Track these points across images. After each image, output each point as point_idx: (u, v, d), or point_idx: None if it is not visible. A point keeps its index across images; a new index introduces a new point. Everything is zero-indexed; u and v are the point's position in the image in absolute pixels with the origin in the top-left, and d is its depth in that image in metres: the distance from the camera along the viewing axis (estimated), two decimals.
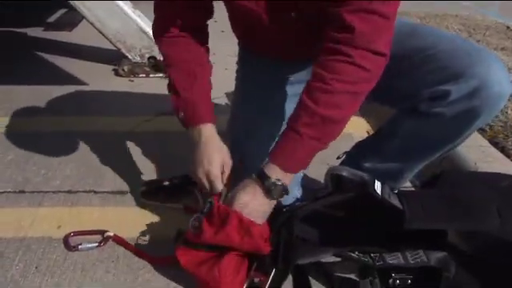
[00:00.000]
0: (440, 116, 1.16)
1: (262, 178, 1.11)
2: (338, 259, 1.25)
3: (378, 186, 1.15)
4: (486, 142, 1.74)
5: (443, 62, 1.14)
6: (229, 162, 1.24)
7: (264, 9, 1.15)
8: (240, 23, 1.35)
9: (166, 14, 1.27)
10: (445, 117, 1.15)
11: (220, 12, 1.33)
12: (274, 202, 1.15)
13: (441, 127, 1.18)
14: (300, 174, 1.38)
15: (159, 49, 1.34)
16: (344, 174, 1.19)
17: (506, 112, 1.95)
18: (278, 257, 1.15)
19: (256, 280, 1.16)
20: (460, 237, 1.17)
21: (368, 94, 1.10)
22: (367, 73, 1.05)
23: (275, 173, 1.10)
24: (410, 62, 1.15)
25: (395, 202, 1.15)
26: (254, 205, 1.12)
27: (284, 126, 1.16)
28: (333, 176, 1.20)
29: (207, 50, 1.34)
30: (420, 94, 1.17)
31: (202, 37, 1.32)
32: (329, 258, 1.24)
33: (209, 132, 1.24)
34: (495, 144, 1.74)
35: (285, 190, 1.12)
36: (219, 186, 1.20)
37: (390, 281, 1.17)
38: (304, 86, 1.10)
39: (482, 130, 1.82)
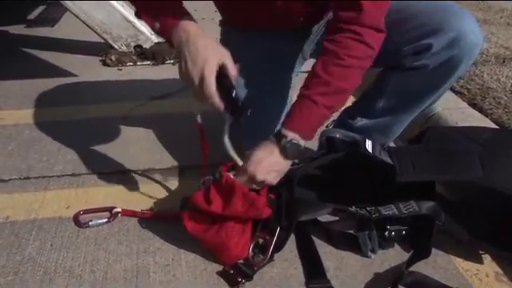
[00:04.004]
0: (424, 68, 1.28)
1: (279, 138, 1.16)
2: (337, 218, 1.34)
3: (369, 144, 1.24)
4: (465, 104, 1.85)
5: (421, 19, 1.27)
6: (229, 58, 1.13)
7: None
8: None
9: None
10: (428, 68, 1.27)
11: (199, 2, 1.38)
12: (290, 162, 1.20)
13: (425, 78, 1.30)
14: None
15: None
16: (337, 135, 1.28)
17: (482, 76, 2.05)
18: (281, 216, 1.23)
19: (261, 240, 1.23)
20: (446, 187, 1.26)
21: None
22: (372, 50, 1.17)
23: (291, 135, 1.16)
24: (390, 22, 1.22)
25: (386, 158, 1.23)
26: (269, 161, 1.16)
27: (273, 98, 1.25)
28: (326, 138, 1.29)
29: None
30: (403, 50, 1.28)
31: None
32: (328, 218, 1.33)
33: (195, 27, 1.15)
34: (474, 105, 1.84)
35: (300, 150, 1.18)
36: (212, 87, 1.08)
37: (386, 233, 1.26)
38: (316, 62, 1.19)
39: (460, 94, 1.93)
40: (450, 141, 1.31)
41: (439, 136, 1.33)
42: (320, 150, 1.32)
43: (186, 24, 1.14)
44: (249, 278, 1.17)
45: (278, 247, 1.23)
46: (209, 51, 1.10)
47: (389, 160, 1.22)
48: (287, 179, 1.27)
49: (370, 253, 1.25)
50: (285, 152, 1.16)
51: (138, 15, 1.26)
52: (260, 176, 1.16)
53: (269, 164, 1.17)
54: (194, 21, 1.17)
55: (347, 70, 1.16)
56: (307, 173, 1.28)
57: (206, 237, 1.21)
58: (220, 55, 1.11)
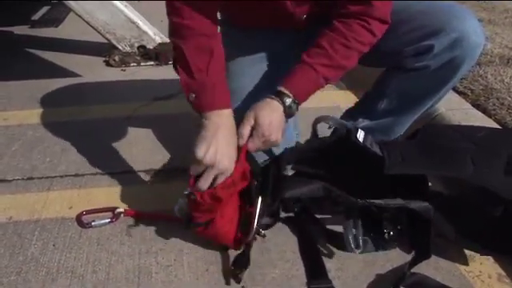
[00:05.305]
0: (425, 69, 1.28)
1: (281, 97, 1.20)
2: (329, 216, 1.35)
3: (360, 135, 1.25)
4: (468, 105, 1.84)
5: (421, 20, 1.27)
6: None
7: None
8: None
9: None
10: (430, 69, 1.28)
11: None
12: (286, 120, 1.23)
13: (427, 79, 1.30)
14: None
15: (170, 20, 1.23)
16: (329, 122, 1.30)
17: (486, 76, 2.05)
18: (266, 189, 1.23)
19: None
20: (438, 184, 1.27)
21: None
22: (374, 38, 1.24)
23: (292, 95, 1.21)
24: (391, 22, 1.25)
25: (376, 149, 1.24)
26: (277, 121, 1.20)
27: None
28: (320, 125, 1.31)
29: (217, 20, 1.28)
30: (404, 51, 1.29)
31: (212, 5, 1.26)
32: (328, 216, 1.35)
33: (227, 121, 1.18)
34: (477, 106, 1.83)
35: (297, 109, 1.24)
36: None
37: (386, 235, 1.26)
38: (322, 34, 1.24)
39: (464, 94, 1.92)
40: (443, 138, 1.31)
41: (434, 133, 1.34)
42: (313, 136, 1.34)
43: (221, 113, 1.18)
44: (245, 265, 1.18)
45: (260, 216, 1.20)
46: (232, 151, 1.16)
47: (379, 151, 1.23)
48: (276, 158, 1.29)
49: (354, 248, 1.24)
50: (288, 110, 1.21)
51: (175, 69, 1.26)
52: (274, 136, 1.19)
53: (278, 123, 1.20)
54: (228, 103, 1.20)
55: (350, 52, 1.23)
56: (297, 154, 1.31)
57: (205, 233, 1.22)
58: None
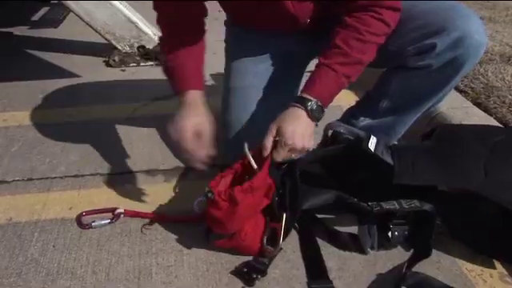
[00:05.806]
0: (428, 68, 1.27)
1: (303, 102, 1.21)
2: (330, 216, 1.34)
3: (372, 142, 1.24)
4: (469, 103, 1.83)
5: (424, 19, 1.26)
6: (206, 131, 1.29)
7: None
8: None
9: None
10: (432, 68, 1.27)
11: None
12: (314, 124, 1.24)
13: (429, 78, 1.29)
14: None
15: (157, 23, 1.40)
16: (341, 130, 1.29)
17: (487, 74, 2.04)
18: (285, 204, 1.23)
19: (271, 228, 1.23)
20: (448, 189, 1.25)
21: None
22: (389, 28, 1.23)
23: (314, 99, 1.22)
24: None
25: (387, 158, 1.23)
26: (301, 128, 1.20)
27: (278, 97, 1.28)
28: (331, 132, 1.31)
29: (203, 22, 1.41)
30: (407, 50, 1.28)
31: (200, 11, 1.38)
32: (330, 215, 1.34)
33: (191, 98, 1.32)
34: (478, 104, 1.83)
35: (323, 111, 1.24)
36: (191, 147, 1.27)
37: (389, 233, 1.25)
38: (335, 33, 1.24)
39: (465, 93, 1.91)
40: (458, 141, 1.29)
41: (448, 136, 1.32)
42: (323, 142, 1.34)
43: (187, 93, 1.33)
44: (263, 272, 1.18)
45: (286, 233, 1.22)
46: (181, 123, 1.30)
47: (389, 160, 1.22)
48: (289, 167, 1.28)
49: (369, 249, 1.24)
50: (312, 114, 1.21)
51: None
52: (299, 144, 1.19)
53: (302, 130, 1.20)
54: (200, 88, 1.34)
55: (366, 45, 1.22)
56: (309, 162, 1.30)
57: (228, 245, 1.23)
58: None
